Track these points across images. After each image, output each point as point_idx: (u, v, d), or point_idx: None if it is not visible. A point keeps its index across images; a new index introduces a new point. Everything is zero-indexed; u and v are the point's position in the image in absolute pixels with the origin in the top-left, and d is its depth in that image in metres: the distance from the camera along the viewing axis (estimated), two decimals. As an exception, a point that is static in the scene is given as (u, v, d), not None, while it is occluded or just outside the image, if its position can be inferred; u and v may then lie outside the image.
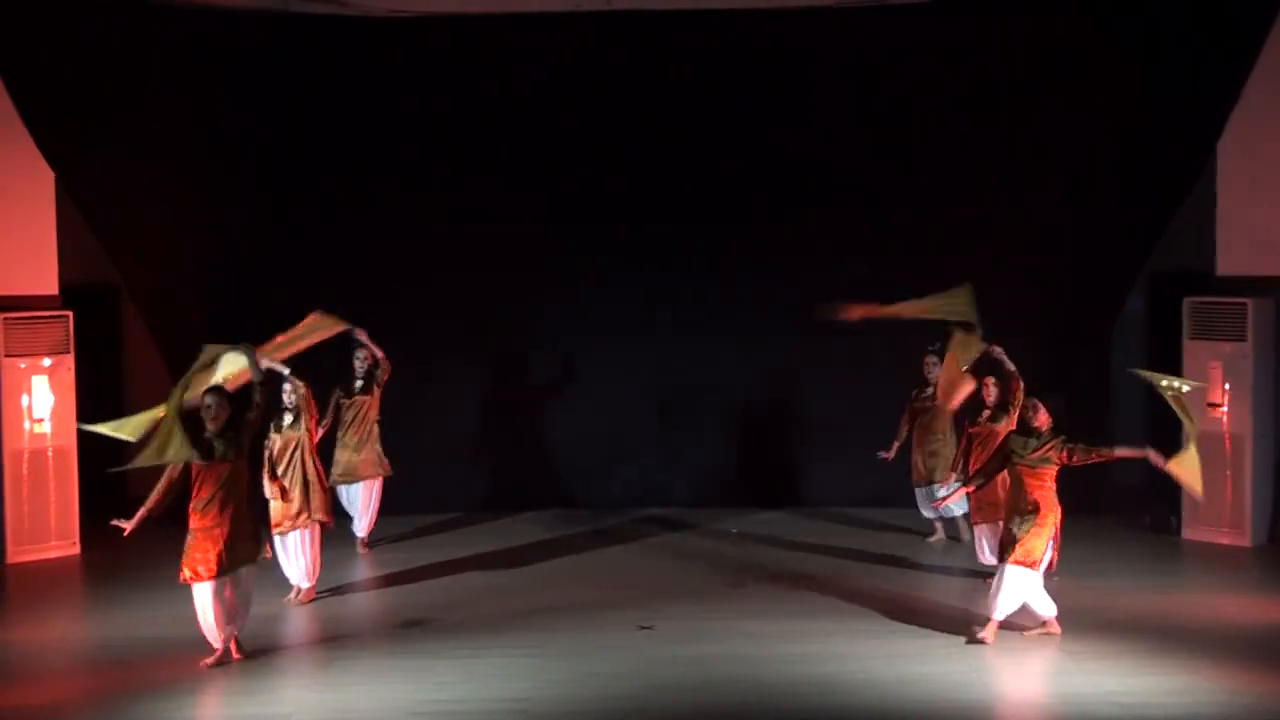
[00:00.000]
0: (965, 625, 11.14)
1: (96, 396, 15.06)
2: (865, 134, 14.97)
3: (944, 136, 14.84)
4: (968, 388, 12.40)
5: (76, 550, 14.04)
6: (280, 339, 11.75)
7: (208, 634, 10.56)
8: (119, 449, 15.84)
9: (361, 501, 13.80)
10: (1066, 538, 13.84)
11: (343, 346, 13.32)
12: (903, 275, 14.88)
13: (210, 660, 10.51)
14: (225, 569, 10.43)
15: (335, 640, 11.10)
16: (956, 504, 13.09)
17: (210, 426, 10.50)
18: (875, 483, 15.08)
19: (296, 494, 11.95)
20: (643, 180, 15.23)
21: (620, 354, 15.47)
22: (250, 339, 14.30)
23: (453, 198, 15.25)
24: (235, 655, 10.64)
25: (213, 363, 10.88)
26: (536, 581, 12.85)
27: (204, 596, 10.45)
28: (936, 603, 11.92)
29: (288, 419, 12.11)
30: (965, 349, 12.30)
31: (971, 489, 11.79)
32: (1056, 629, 10.93)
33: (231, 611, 10.54)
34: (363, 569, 13.38)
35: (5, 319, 13.75)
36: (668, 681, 10.14)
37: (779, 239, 15.27)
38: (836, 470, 15.58)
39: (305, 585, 12.17)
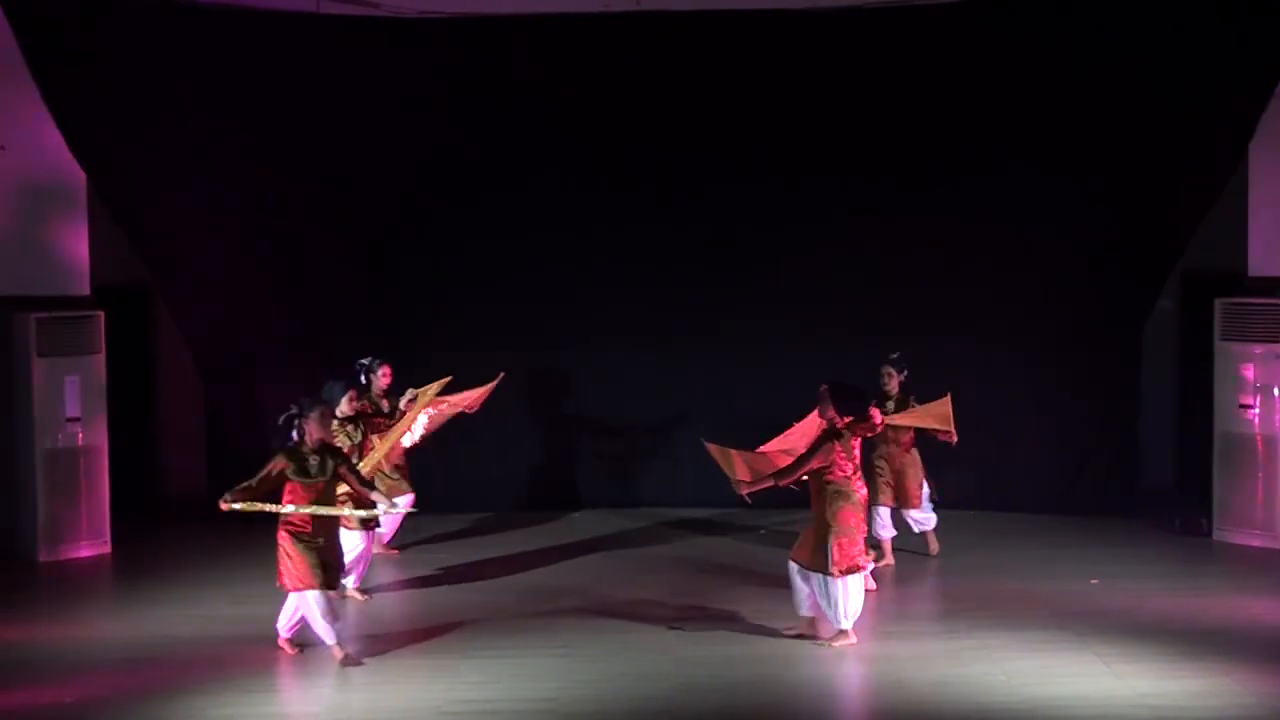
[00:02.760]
0: (995, 628, 11.12)
1: (128, 397, 15.17)
2: (898, 134, 14.93)
3: (973, 136, 14.78)
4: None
5: (108, 549, 14.06)
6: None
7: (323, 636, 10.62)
8: (150, 449, 16.05)
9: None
10: (1098, 540, 13.93)
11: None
12: (933, 277, 15.09)
13: (340, 656, 10.53)
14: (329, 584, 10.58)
15: (365, 639, 11.07)
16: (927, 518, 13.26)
17: (309, 443, 10.59)
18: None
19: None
20: (682, 181, 15.21)
21: (653, 354, 15.45)
22: (283, 342, 14.44)
23: (497, 200, 15.27)
24: (290, 649, 10.74)
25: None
26: (565, 581, 12.83)
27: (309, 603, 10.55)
28: (967, 604, 11.88)
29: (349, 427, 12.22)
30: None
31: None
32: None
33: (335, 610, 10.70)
34: (393, 569, 13.38)
35: (37, 319, 13.77)
36: (697, 682, 10.10)
37: (814, 240, 15.26)
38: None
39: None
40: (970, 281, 15.17)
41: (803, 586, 10.90)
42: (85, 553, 13.94)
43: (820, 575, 10.72)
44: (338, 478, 10.70)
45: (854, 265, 15.18)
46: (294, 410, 10.67)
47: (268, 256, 15.15)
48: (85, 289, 14.32)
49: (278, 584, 10.63)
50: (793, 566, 10.93)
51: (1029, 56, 14.47)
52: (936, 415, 12.60)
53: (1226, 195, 14.19)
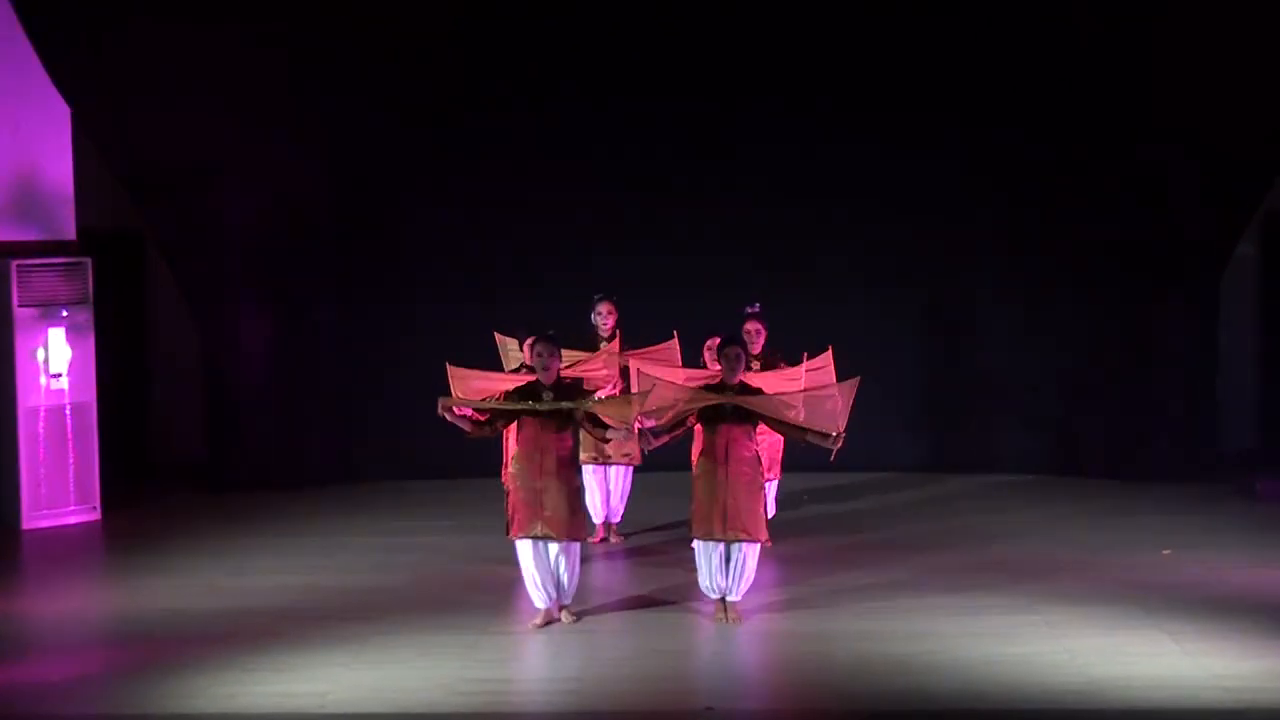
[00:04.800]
0: (1057, 602, 11.15)
1: (118, 350, 15.23)
2: (967, 71, 15.15)
3: (1039, 73, 14.94)
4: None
5: (97, 516, 14.16)
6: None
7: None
8: (142, 408, 16.16)
9: None
10: (1171, 508, 13.94)
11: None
12: (992, 225, 15.20)
13: (536, 620, 10.80)
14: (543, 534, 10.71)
15: (376, 615, 11.14)
16: None
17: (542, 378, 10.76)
18: (949, 445, 15.45)
19: None
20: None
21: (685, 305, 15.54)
22: (285, 287, 14.50)
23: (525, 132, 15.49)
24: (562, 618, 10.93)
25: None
26: (592, 554, 12.81)
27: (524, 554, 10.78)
28: (1025, 576, 11.90)
29: None
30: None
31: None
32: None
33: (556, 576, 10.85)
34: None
35: (19, 266, 13.82)
36: (733, 660, 10.19)
37: (865, 179, 15.47)
38: (913, 432, 15.80)
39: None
40: (1030, 228, 15.27)
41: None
42: (73, 519, 14.03)
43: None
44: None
45: (903, 210, 15.40)
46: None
47: (270, 198, 15.23)
48: (71, 233, 14.35)
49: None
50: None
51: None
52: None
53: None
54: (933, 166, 15.38)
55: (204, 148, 14.83)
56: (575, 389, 11.04)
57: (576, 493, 10.99)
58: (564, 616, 10.91)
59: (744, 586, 10.95)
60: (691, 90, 15.37)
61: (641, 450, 11.34)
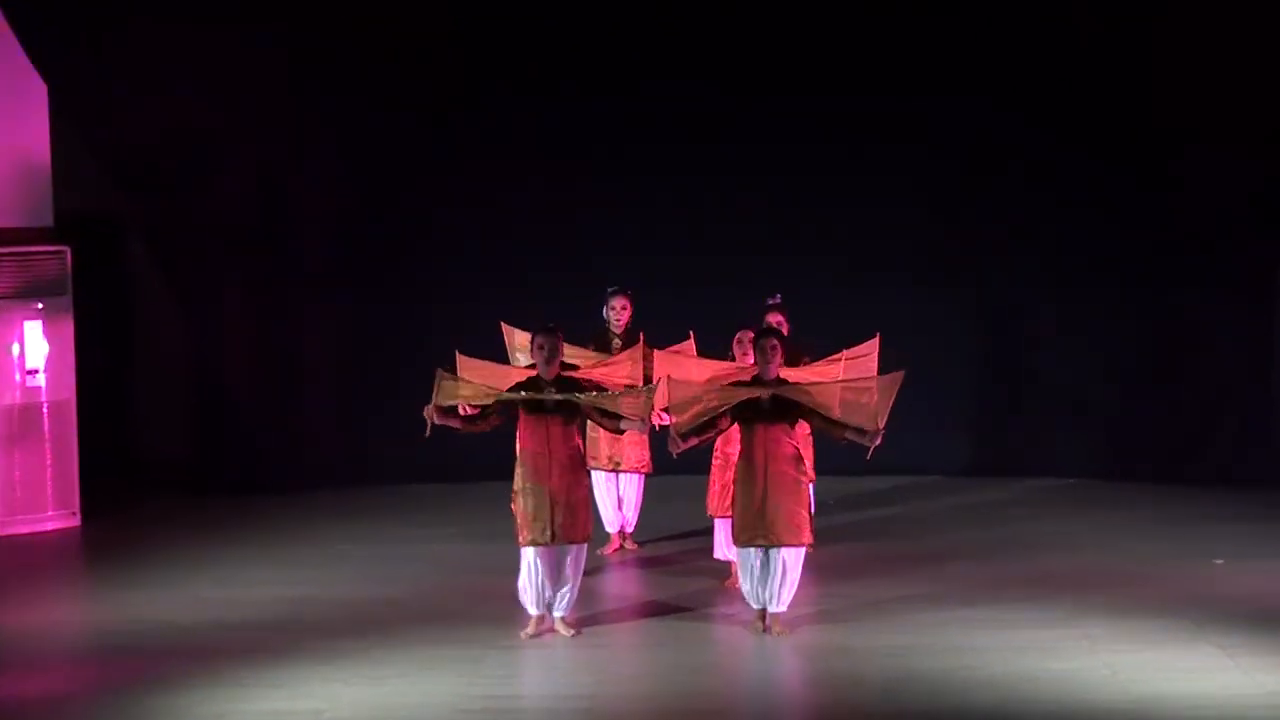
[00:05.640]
0: (1099, 615, 11.21)
1: (99, 344, 15.26)
2: (1015, 61, 15.35)
3: (1094, 62, 15.19)
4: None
5: (77, 522, 14.22)
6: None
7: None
8: (125, 406, 16.18)
9: None
10: (1223, 513, 14.02)
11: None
12: (1047, 210, 15.51)
13: (528, 629, 10.92)
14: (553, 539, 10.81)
15: (375, 628, 11.18)
16: None
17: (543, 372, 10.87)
18: (992, 448, 15.62)
19: None
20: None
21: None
22: (279, 278, 14.58)
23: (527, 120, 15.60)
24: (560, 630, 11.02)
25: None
26: (606, 564, 12.97)
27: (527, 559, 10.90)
28: (1065, 587, 11.95)
29: None
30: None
31: None
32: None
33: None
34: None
35: (-7, 255, 13.85)
36: (754, 677, 10.25)
37: (902, 166, 15.65)
38: (954, 434, 15.91)
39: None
40: (1079, 222, 15.47)
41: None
42: (50, 526, 14.09)
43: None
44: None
45: (946, 204, 15.62)
46: None
47: (259, 181, 15.37)
48: (48, 218, 14.40)
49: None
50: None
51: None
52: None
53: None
54: (976, 158, 15.53)
55: (193, 128, 14.89)
56: (579, 383, 11.06)
57: (585, 494, 11.09)
58: (561, 627, 10.99)
59: (787, 596, 10.95)
60: (714, 78, 15.51)
61: (672, 453, 11.11)
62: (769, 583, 10.88)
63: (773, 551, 10.84)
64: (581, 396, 10.83)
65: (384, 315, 15.62)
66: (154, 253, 15.48)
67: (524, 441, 10.96)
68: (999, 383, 15.93)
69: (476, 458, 13.60)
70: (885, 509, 14.67)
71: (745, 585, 11.02)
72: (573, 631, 10.97)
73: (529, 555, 10.88)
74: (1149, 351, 15.40)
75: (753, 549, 10.87)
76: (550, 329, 10.93)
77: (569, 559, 10.91)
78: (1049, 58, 15.25)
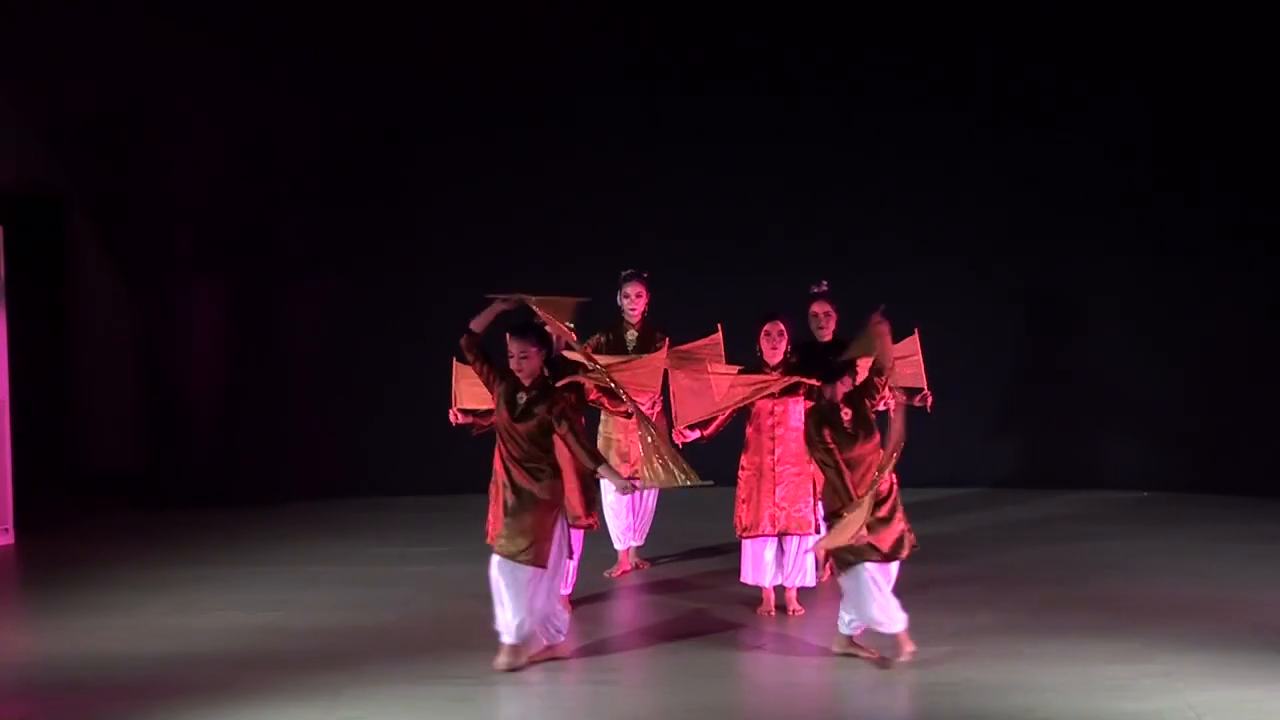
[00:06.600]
0: (1180, 648, 11.08)
1: (35, 338, 15.22)
2: (1080, 36, 15.58)
3: (1176, 40, 15.40)
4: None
5: (10, 539, 14.27)
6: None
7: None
8: (65, 409, 16.15)
9: None
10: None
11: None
12: (1109, 195, 15.75)
13: (499, 659, 10.86)
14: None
15: (353, 661, 11.10)
16: None
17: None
18: (1047, 455, 15.66)
19: None
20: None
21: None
22: (245, 263, 14.52)
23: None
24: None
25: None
26: (615, 587, 13.01)
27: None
28: (1141, 617, 11.86)
29: None
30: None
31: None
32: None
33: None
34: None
35: (-89, 237, 13.91)
36: (785, 716, 10.14)
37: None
38: (1002, 441, 16.00)
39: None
40: (1145, 209, 15.62)
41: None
42: (-18, 543, 14.12)
43: None
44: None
45: (994, 190, 15.84)
46: None
47: (217, 152, 15.39)
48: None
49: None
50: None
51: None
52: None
53: None
54: (1024, 138, 15.72)
55: (147, 86, 14.94)
56: (557, 391, 10.96)
57: (550, 514, 10.90)
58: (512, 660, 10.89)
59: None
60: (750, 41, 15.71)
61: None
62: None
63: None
64: (555, 411, 10.78)
65: (368, 307, 15.53)
66: (101, 235, 15.38)
67: (498, 453, 11.09)
68: (1051, 382, 16.08)
69: (468, 467, 13.43)
70: (924, 526, 14.32)
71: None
72: (526, 663, 10.90)
73: (492, 568, 10.88)
74: (1229, 348, 15.52)
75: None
76: (521, 328, 10.83)
77: (533, 584, 10.83)
78: (1118, 31, 15.50)
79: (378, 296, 15.64)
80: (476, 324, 10.79)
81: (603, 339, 12.62)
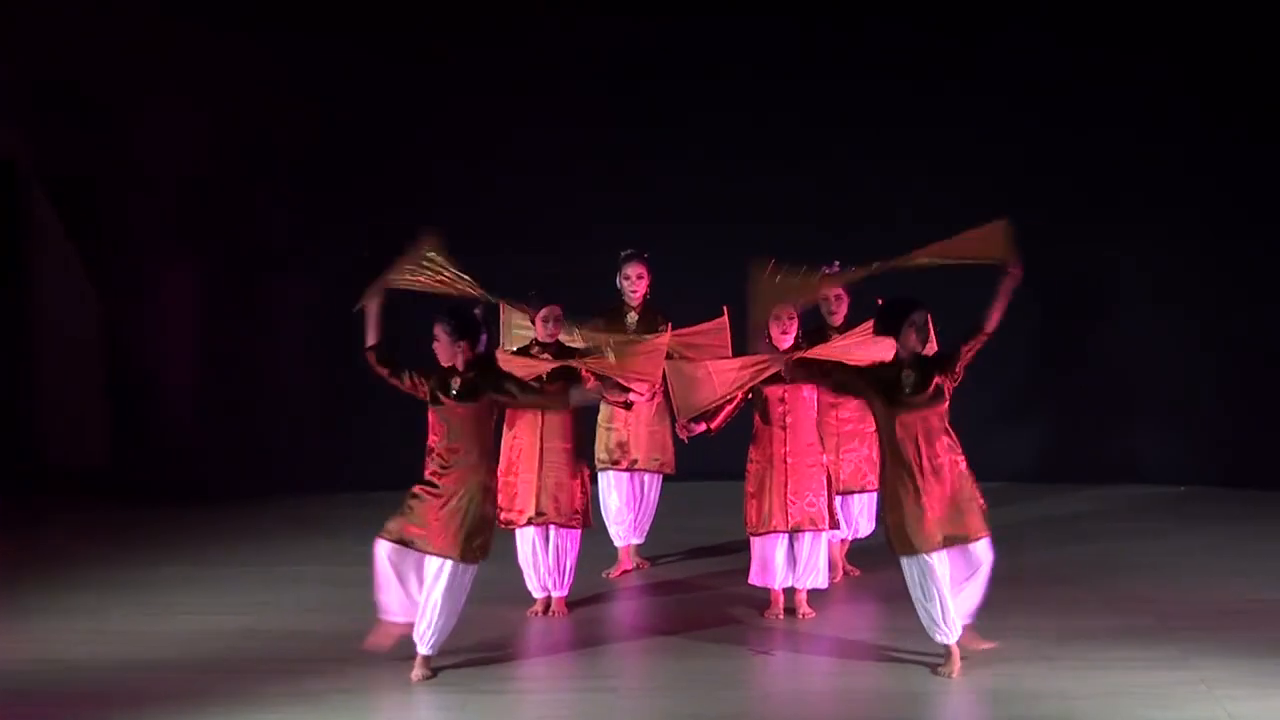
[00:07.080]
0: (1217, 654, 11.04)
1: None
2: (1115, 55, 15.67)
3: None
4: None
5: (-34, 537, 14.31)
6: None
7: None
8: (25, 397, 16.06)
9: None
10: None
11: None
12: (1138, 170, 15.93)
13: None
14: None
15: (335, 667, 11.04)
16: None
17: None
18: (1073, 448, 15.79)
19: None
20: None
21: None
22: (220, 242, 14.45)
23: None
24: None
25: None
26: (615, 588, 13.00)
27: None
28: (1176, 620, 11.83)
29: None
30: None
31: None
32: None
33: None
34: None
35: None
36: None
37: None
38: (1025, 431, 16.04)
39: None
40: (1176, 188, 15.73)
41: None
42: (-62, 544, 14.16)
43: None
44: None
45: (1011, 161, 15.87)
46: None
47: (188, 124, 15.38)
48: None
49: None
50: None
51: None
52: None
53: None
54: (1055, 109, 15.81)
55: (113, 46, 14.93)
56: (495, 375, 10.99)
57: (479, 509, 10.96)
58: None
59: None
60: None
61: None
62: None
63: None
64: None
65: (347, 287, 15.42)
66: (61, 209, 15.30)
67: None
68: (1077, 370, 16.13)
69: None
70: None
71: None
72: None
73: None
74: (1275, 338, 15.61)
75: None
76: (450, 316, 11.00)
77: (437, 583, 10.97)
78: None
79: (356, 286, 15.58)
80: (369, 337, 11.03)
81: (601, 324, 12.60)
